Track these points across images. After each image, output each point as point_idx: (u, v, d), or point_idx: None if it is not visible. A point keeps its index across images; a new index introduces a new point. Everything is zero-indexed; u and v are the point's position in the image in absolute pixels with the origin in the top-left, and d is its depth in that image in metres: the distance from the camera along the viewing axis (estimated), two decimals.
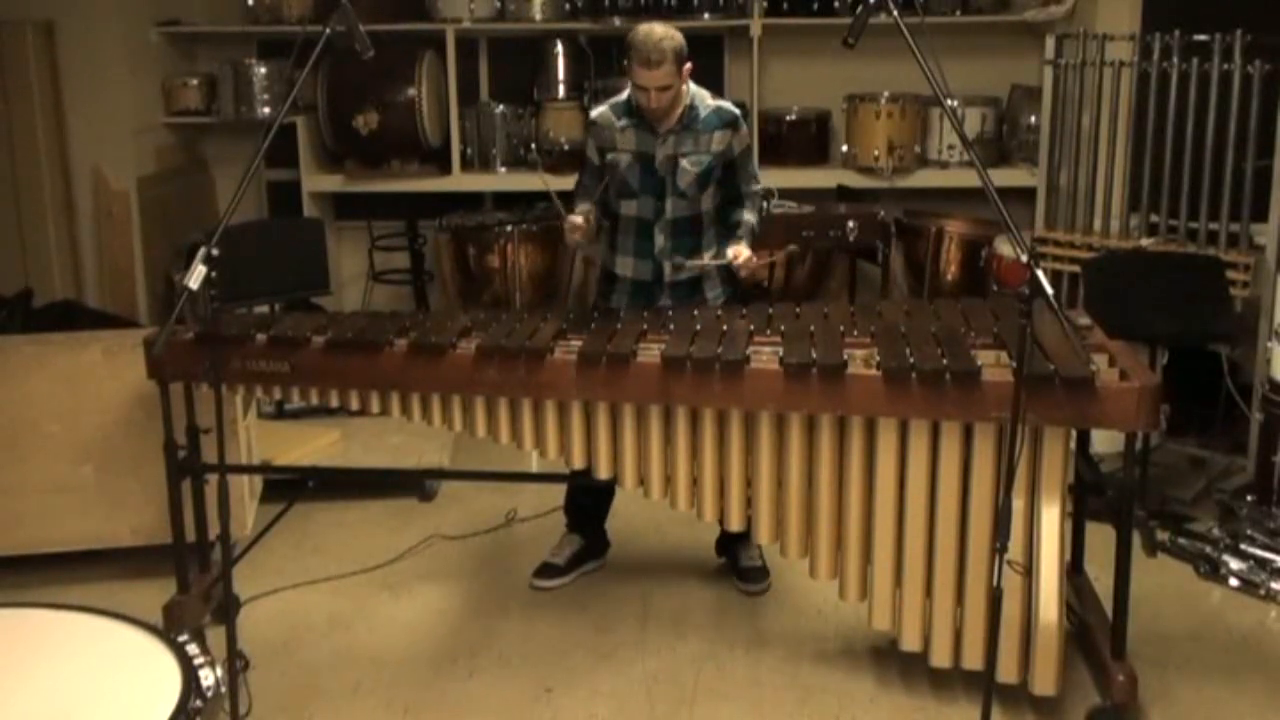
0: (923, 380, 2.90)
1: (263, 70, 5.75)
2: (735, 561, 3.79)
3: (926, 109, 5.70)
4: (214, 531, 3.36)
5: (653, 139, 3.47)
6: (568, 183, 5.74)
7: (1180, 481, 4.42)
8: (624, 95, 3.55)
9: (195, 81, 5.86)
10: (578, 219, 3.46)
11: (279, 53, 5.91)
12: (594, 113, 3.58)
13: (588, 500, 3.83)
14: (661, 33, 3.33)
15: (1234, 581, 3.77)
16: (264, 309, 4.54)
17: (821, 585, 3.25)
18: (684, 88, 3.45)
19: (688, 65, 3.39)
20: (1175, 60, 4.64)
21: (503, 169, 5.90)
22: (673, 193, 3.50)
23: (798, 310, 3.48)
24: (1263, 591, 3.71)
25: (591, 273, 5.90)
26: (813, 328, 3.25)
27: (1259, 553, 3.80)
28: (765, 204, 3.68)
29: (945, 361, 2.93)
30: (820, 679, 3.27)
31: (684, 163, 3.47)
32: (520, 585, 3.79)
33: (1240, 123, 4.48)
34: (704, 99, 3.52)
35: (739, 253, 3.45)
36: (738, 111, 3.55)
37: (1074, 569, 3.47)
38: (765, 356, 3.05)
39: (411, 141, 5.67)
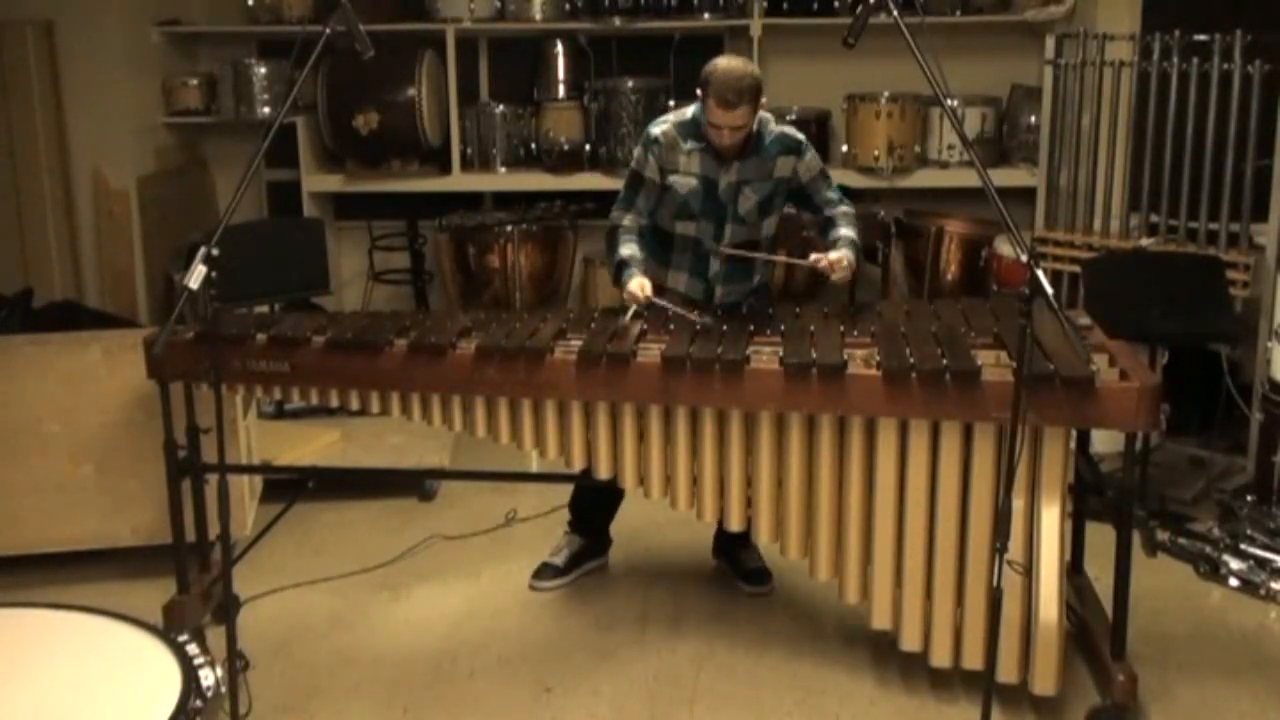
0: (923, 380, 2.90)
1: (263, 70, 5.75)
2: (738, 563, 3.78)
3: (926, 109, 5.70)
4: (214, 531, 3.36)
5: (718, 165, 3.40)
6: (569, 182, 5.82)
7: (1180, 481, 4.42)
8: (689, 114, 3.44)
9: (195, 81, 5.86)
10: (637, 291, 3.32)
11: (279, 53, 5.91)
12: (656, 129, 3.46)
13: (595, 502, 3.81)
14: (741, 71, 3.25)
15: (1234, 581, 3.77)
16: (264, 309, 4.54)
17: (821, 585, 3.25)
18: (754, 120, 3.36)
19: (763, 99, 3.32)
20: (1175, 60, 4.65)
21: (503, 169, 5.90)
22: (733, 219, 3.44)
23: (798, 310, 3.48)
24: (1263, 591, 3.71)
25: (592, 272, 5.91)
26: (813, 328, 3.26)
27: (1259, 553, 3.80)
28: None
29: (945, 361, 2.93)
30: (820, 679, 3.27)
31: (746, 190, 3.41)
32: (520, 585, 3.79)
33: (1240, 123, 4.48)
34: (768, 124, 3.44)
35: (824, 257, 3.38)
36: (802, 137, 3.46)
37: (1074, 569, 3.47)
38: (765, 356, 3.05)
39: (411, 141, 5.67)
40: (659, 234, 3.53)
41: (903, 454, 2.99)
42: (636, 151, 3.50)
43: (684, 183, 3.42)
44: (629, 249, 3.44)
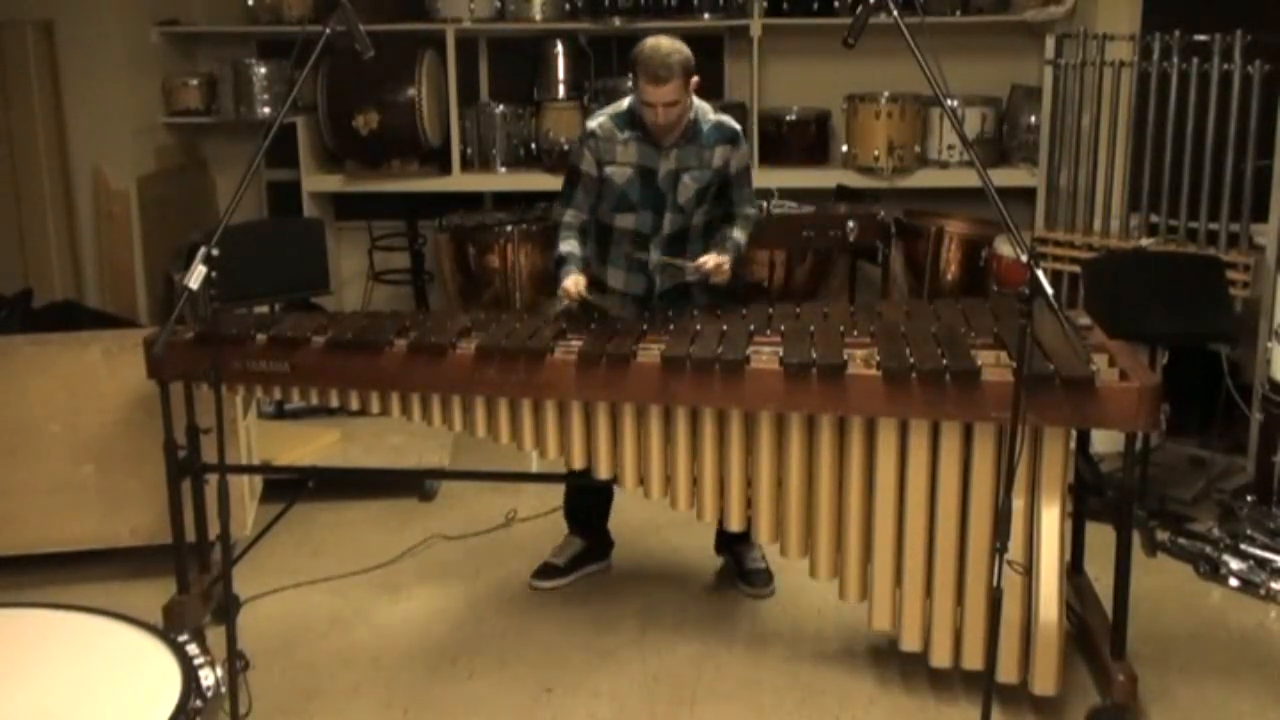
0: (923, 380, 2.90)
1: (263, 70, 5.75)
2: (740, 565, 3.77)
3: (926, 109, 5.70)
4: (214, 531, 3.36)
5: (655, 153, 3.41)
6: None
7: (1180, 481, 4.42)
8: (624, 105, 3.46)
9: (195, 81, 5.87)
10: (570, 285, 3.34)
11: (279, 53, 5.91)
12: (593, 123, 3.48)
13: (586, 502, 3.82)
14: (669, 47, 3.27)
15: (1234, 581, 3.77)
16: (264, 309, 4.54)
17: (821, 585, 3.25)
18: (689, 100, 3.38)
19: (694, 79, 3.33)
20: (1175, 60, 4.64)
21: (503, 169, 5.90)
22: (672, 208, 3.44)
23: (798, 310, 3.48)
24: (1263, 591, 3.71)
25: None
26: (813, 328, 3.26)
27: (1259, 553, 3.80)
28: (753, 227, 3.58)
29: (945, 361, 2.93)
30: (820, 679, 3.27)
31: (685, 178, 3.42)
32: (520, 585, 3.79)
33: (1240, 123, 4.48)
34: (706, 113, 3.45)
35: (709, 259, 3.39)
36: (739, 128, 3.48)
37: (1074, 569, 3.47)
38: (765, 356, 3.05)
39: (411, 141, 5.67)
40: (599, 230, 3.53)
41: (903, 454, 2.99)
42: (574, 146, 3.52)
43: (621, 173, 3.42)
44: (568, 245, 3.45)
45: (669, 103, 3.29)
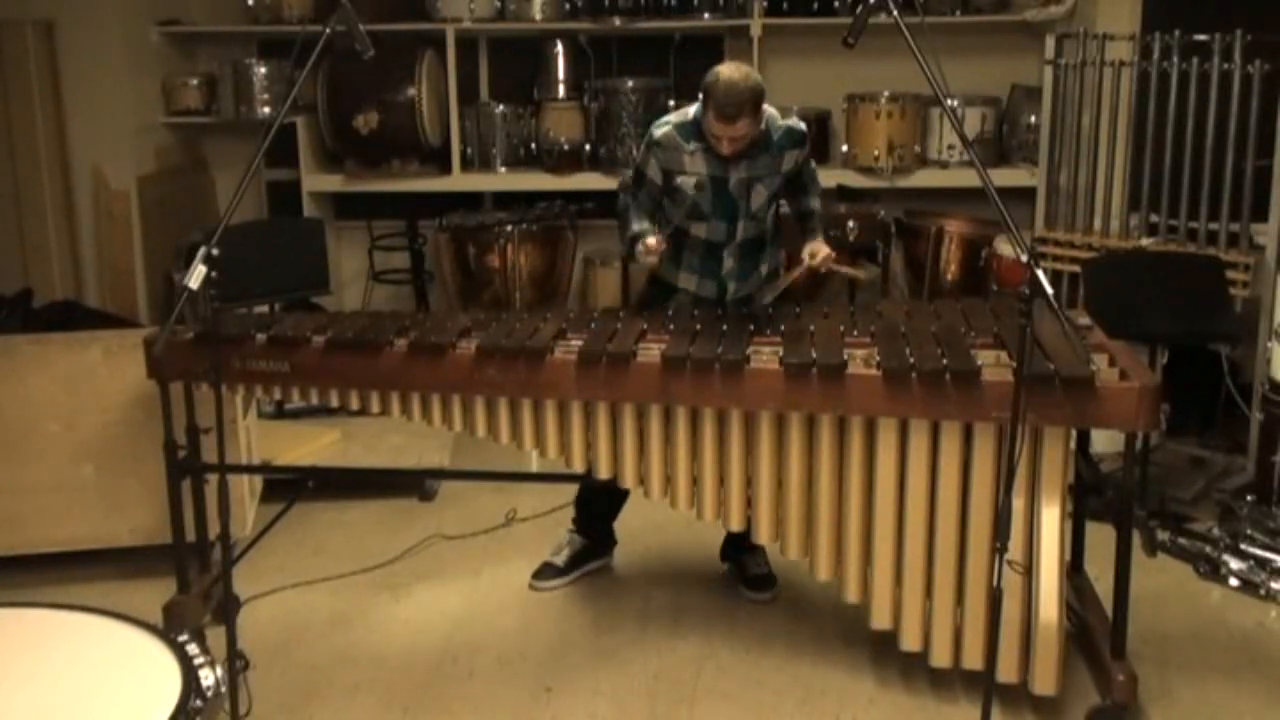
0: (923, 380, 2.90)
1: (263, 70, 5.75)
2: (743, 571, 3.76)
3: (926, 109, 5.70)
4: (214, 531, 3.36)
5: (725, 163, 3.34)
6: (569, 182, 5.82)
7: (1180, 481, 4.42)
8: (690, 114, 3.38)
9: (195, 81, 5.86)
10: (652, 241, 3.30)
11: (279, 53, 5.91)
12: (658, 132, 3.39)
13: (601, 498, 3.79)
14: (742, 86, 3.17)
15: (1234, 581, 3.77)
16: (264, 309, 4.54)
17: (821, 585, 3.25)
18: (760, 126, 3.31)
19: (765, 106, 3.27)
20: (1175, 60, 4.65)
21: (503, 169, 5.90)
22: (745, 216, 3.40)
23: (798, 310, 3.48)
24: (1263, 591, 3.71)
25: (592, 272, 5.91)
26: (813, 328, 3.26)
27: (1259, 553, 3.80)
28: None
29: (945, 361, 2.93)
30: (820, 679, 3.27)
31: (759, 185, 3.37)
32: (520, 585, 3.79)
33: (1240, 123, 4.48)
34: (775, 119, 3.39)
35: (815, 251, 3.43)
36: (804, 128, 3.44)
37: (1074, 569, 3.47)
38: (765, 356, 3.05)
39: (411, 141, 5.67)
40: (673, 233, 3.48)
41: (903, 454, 2.99)
42: (641, 149, 3.46)
43: (690, 183, 3.37)
44: (640, 225, 3.38)
45: (736, 137, 3.25)
